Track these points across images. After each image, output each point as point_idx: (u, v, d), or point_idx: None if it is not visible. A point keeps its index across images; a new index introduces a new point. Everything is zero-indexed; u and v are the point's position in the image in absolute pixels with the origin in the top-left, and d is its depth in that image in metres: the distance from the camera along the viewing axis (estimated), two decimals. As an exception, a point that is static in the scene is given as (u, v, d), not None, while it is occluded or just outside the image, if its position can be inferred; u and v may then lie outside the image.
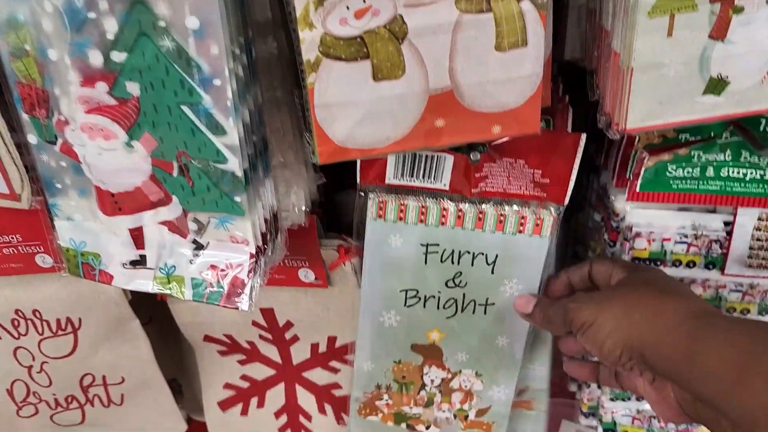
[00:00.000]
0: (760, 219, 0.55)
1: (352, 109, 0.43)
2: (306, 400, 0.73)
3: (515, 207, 0.55)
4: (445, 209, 0.56)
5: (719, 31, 0.41)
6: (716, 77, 0.42)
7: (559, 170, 0.53)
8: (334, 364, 0.70)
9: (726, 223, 0.56)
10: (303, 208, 0.57)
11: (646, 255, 0.57)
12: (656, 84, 0.42)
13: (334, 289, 0.64)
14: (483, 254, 0.57)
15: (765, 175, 0.53)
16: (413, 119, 0.44)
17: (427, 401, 0.68)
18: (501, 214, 0.55)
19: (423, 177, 0.55)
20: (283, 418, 0.74)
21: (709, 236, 0.56)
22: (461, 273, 0.59)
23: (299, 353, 0.70)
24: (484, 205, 0.56)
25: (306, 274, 0.63)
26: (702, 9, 0.40)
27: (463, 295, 0.60)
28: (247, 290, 0.49)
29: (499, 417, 0.67)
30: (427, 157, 0.54)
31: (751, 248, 0.56)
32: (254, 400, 0.74)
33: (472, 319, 0.60)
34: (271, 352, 0.71)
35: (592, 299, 0.50)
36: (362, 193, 0.57)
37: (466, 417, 0.68)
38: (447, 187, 0.55)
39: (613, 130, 0.45)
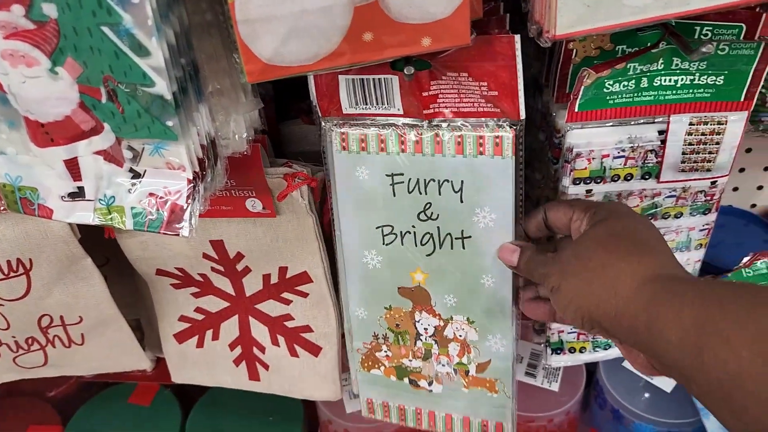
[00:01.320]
0: (691, 124, 0.55)
1: (276, 24, 0.42)
2: (259, 331, 0.74)
3: (471, 126, 0.54)
4: (402, 135, 0.55)
5: (641, -71, 0.40)
6: (642, -22, 0.42)
7: (504, 79, 0.51)
8: (286, 295, 0.71)
9: (660, 132, 0.56)
10: (244, 135, 0.56)
11: (587, 174, 0.58)
12: (583, -14, 0.42)
13: (283, 218, 0.64)
14: (448, 181, 0.56)
15: (695, 79, 0.54)
16: (340, 33, 0.43)
17: (425, 353, 0.67)
18: (458, 136, 0.54)
19: (376, 103, 0.55)
20: (238, 350, 0.76)
21: (645, 147, 0.57)
22: (431, 204, 0.57)
23: (251, 285, 0.71)
24: (439, 127, 0.55)
25: (253, 204, 0.63)
26: None
27: (438, 228, 0.59)
28: (186, 216, 0.49)
29: (502, 374, 0.65)
30: (374, 80, 0.53)
31: (683, 153, 0.57)
32: (209, 333, 0.75)
33: (453, 256, 0.59)
34: (224, 284, 0.71)
35: (557, 262, 0.49)
36: (323, 126, 0.56)
37: (467, 372, 0.66)
38: (401, 112, 0.55)
39: (543, 38, 0.45)
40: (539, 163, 0.67)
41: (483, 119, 0.54)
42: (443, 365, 0.67)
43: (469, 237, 0.58)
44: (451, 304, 0.63)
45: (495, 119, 0.54)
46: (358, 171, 0.57)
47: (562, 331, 0.71)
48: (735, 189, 0.97)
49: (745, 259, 0.82)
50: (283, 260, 0.68)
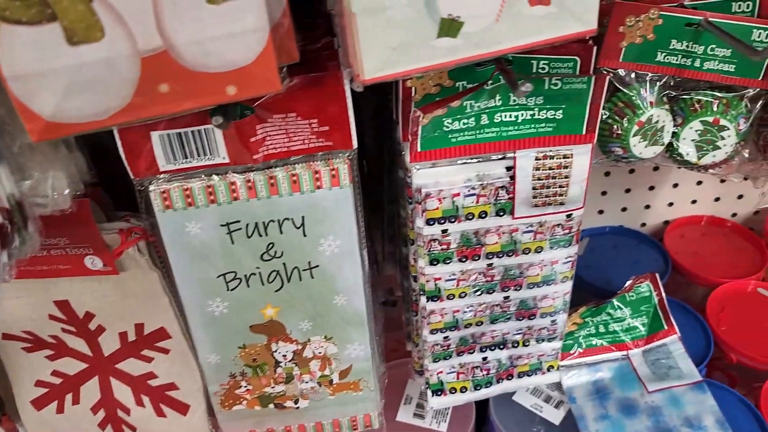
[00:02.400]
0: (537, 158, 0.54)
1: (53, 79, 0.38)
2: (122, 392, 0.69)
3: (305, 163, 0.52)
4: (232, 183, 0.52)
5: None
6: (448, 18, 0.40)
7: (334, 114, 0.50)
8: (146, 353, 0.66)
9: (508, 168, 0.55)
10: (65, 191, 0.52)
11: (440, 214, 0.56)
12: (384, 28, 0.40)
13: (128, 274, 0.60)
14: (289, 219, 0.55)
15: (535, 114, 0.52)
16: (131, 86, 0.40)
17: (287, 377, 0.66)
18: (293, 174, 0.53)
19: (198, 155, 0.51)
20: (101, 413, 0.70)
21: (495, 184, 0.55)
22: (273, 244, 0.56)
23: (108, 344, 0.66)
24: (272, 169, 0.53)
25: (93, 262, 0.58)
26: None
27: (284, 264, 0.57)
28: (-16, 288, 0.44)
29: (364, 373, 0.66)
30: (192, 133, 0.50)
31: (534, 188, 0.55)
32: (69, 397, 0.70)
33: (302, 286, 0.58)
34: (79, 344, 0.66)
35: None
36: (140, 188, 0.53)
37: (331, 382, 0.66)
38: (227, 160, 0.52)
39: (355, 82, 0.42)
40: (402, 198, 0.65)
41: (316, 154, 0.52)
42: (306, 382, 0.66)
43: (317, 266, 0.58)
44: (307, 329, 0.62)
45: (328, 152, 0.52)
46: (189, 227, 0.53)
47: (441, 372, 0.69)
48: (624, 209, 0.98)
49: (628, 283, 0.82)
50: (138, 317, 0.64)
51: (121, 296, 0.62)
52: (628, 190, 0.95)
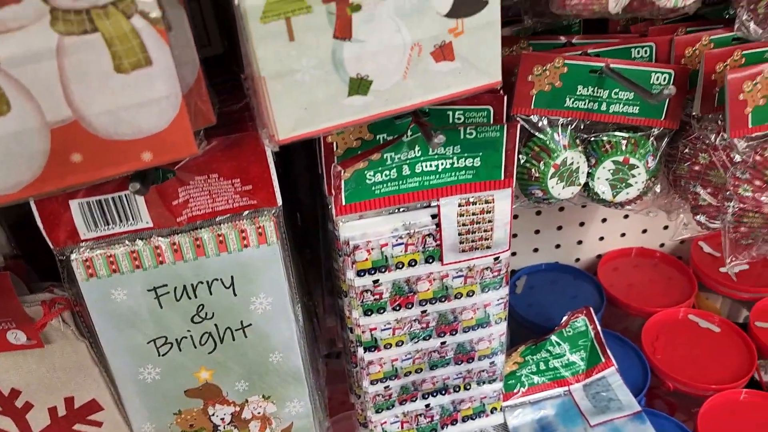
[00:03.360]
0: (460, 205, 0.56)
1: (-42, 155, 0.38)
2: (54, 471, 0.66)
3: (231, 222, 0.52)
4: (157, 247, 0.52)
5: (343, 31, 0.40)
6: (356, 77, 0.42)
7: (257, 173, 0.51)
8: (78, 427, 0.63)
9: (433, 216, 0.56)
10: (-18, 266, 0.51)
11: (370, 265, 0.57)
12: (294, 90, 0.41)
13: (55, 346, 0.58)
14: (218, 279, 0.54)
15: (455, 163, 0.54)
16: (42, 157, 0.40)
17: None
18: (219, 235, 0.52)
19: (120, 221, 0.51)
20: (32, 496, 0.67)
21: (422, 232, 0.56)
22: (203, 305, 0.55)
23: (38, 421, 0.63)
24: (198, 231, 0.52)
25: (16, 336, 0.56)
26: (317, 10, 0.39)
27: (215, 325, 0.57)
28: None
29: (305, 428, 0.65)
30: (113, 199, 0.50)
31: (459, 234, 0.57)
32: (-3, 481, 0.66)
33: (236, 346, 0.58)
34: (7, 424, 0.63)
35: None
36: (61, 257, 0.51)
37: None
38: (151, 224, 0.52)
39: (271, 142, 0.43)
40: (334, 252, 0.65)
41: (241, 213, 0.52)
42: (247, 443, 0.65)
43: (250, 325, 0.57)
44: (244, 389, 0.61)
45: (254, 210, 0.52)
46: (114, 294, 0.52)
47: (385, 422, 0.68)
48: (557, 246, 1.00)
49: (564, 319, 0.83)
50: (67, 390, 0.61)
51: (48, 370, 0.60)
52: (560, 228, 0.98)
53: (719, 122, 0.55)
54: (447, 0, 0.41)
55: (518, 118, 0.58)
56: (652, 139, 0.59)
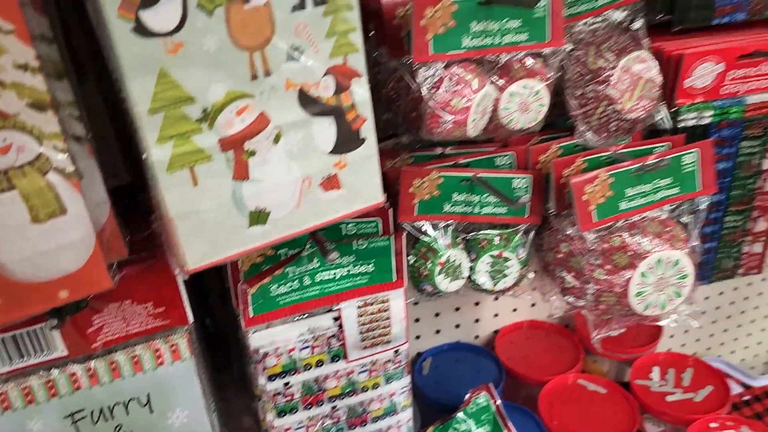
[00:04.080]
0: (359, 307, 0.61)
1: None
2: None
3: (145, 343, 0.55)
4: (73, 374, 0.54)
5: (241, 173, 0.46)
6: (255, 210, 0.48)
7: (168, 295, 0.55)
8: None
9: (335, 319, 0.61)
10: None
11: (280, 369, 0.61)
12: (200, 227, 0.46)
13: (-35, 484, 0.57)
14: (134, 399, 0.57)
15: (351, 270, 0.60)
16: (-39, 305, 0.42)
17: None
18: (134, 356, 0.55)
19: (35, 353, 0.53)
20: None
21: (326, 334, 0.61)
22: (122, 425, 0.57)
23: None
24: (113, 354, 0.55)
25: (-77, 478, 0.56)
26: (217, 158, 0.45)
27: None
28: None
29: None
30: (27, 333, 0.52)
31: (360, 333, 0.62)
32: None
33: None
34: None
35: None
36: None
37: None
38: (66, 353, 0.54)
39: (181, 272, 0.48)
40: (246, 359, 0.69)
41: (155, 333, 0.55)
42: None
43: None
44: None
45: (167, 329, 0.55)
46: (30, 425, 0.54)
47: None
48: (457, 326, 1.08)
49: (467, 396, 0.89)
50: None
51: None
52: (457, 309, 1.06)
53: (572, 218, 0.64)
54: (330, 141, 0.48)
55: (404, 226, 0.65)
56: (520, 233, 0.68)
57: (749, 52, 0.71)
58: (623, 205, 0.63)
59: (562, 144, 0.69)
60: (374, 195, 0.52)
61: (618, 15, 0.68)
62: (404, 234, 0.60)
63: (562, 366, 1.03)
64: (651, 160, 0.63)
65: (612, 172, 0.62)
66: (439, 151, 0.70)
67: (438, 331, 1.07)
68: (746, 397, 1.25)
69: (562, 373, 1.00)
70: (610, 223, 0.63)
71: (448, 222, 0.66)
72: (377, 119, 0.58)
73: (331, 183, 0.50)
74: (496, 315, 1.10)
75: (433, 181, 0.64)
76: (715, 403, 0.95)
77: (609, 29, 0.68)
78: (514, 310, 1.11)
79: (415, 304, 1.01)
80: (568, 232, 0.66)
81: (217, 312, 0.80)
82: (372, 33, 0.61)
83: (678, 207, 0.67)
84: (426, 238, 0.66)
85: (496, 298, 1.08)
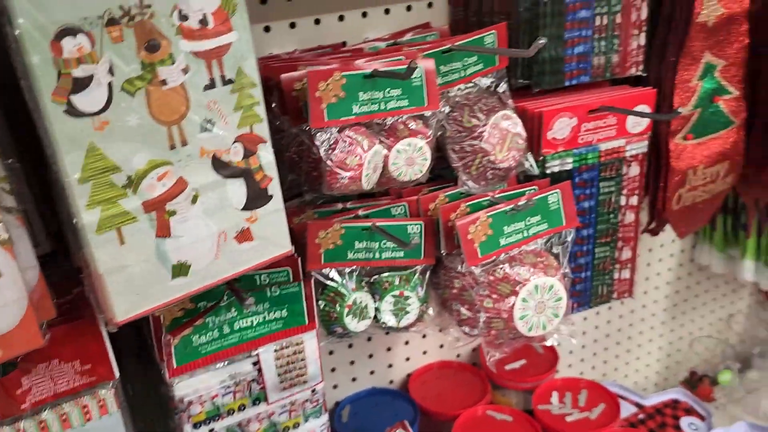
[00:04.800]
0: (276, 351, 0.67)
1: None
2: None
3: (73, 400, 0.58)
4: (1, 436, 0.56)
5: (163, 231, 0.52)
6: (177, 264, 0.53)
7: (95, 353, 0.58)
8: None
9: (254, 363, 0.67)
10: None
11: (204, 416, 0.65)
12: (128, 281, 0.51)
13: None
14: None
15: (266, 317, 0.66)
16: None
17: None
18: (62, 414, 0.58)
19: (-44, 415, 0.55)
20: None
21: (246, 379, 0.66)
22: None
23: None
24: (41, 414, 0.57)
25: None
26: (141, 218, 0.51)
27: None
28: None
29: None
30: (-47, 394, 0.54)
31: (278, 375, 0.68)
32: None
33: None
34: None
35: None
36: None
37: None
38: (-7, 414, 0.56)
39: (110, 325, 0.52)
40: (170, 411, 0.72)
41: (82, 390, 0.58)
42: None
43: None
44: None
45: (94, 386, 0.59)
46: (-40, 489, 0.55)
47: None
48: (372, 372, 1.14)
49: (385, 435, 0.95)
50: None
51: None
52: (371, 356, 1.12)
53: (461, 256, 0.73)
54: (241, 198, 0.55)
55: (313, 273, 0.72)
56: (418, 274, 0.76)
57: (596, 108, 0.84)
58: (502, 241, 0.73)
59: (448, 193, 0.78)
60: (283, 244, 0.59)
61: (485, 81, 0.80)
62: (312, 280, 0.67)
63: (471, 400, 1.10)
64: (521, 201, 0.73)
65: (490, 213, 0.72)
66: (340, 206, 0.78)
67: (354, 379, 1.12)
68: (641, 416, 1.37)
69: (472, 406, 1.08)
70: (492, 258, 0.73)
71: (353, 268, 0.73)
72: (282, 180, 0.65)
73: (244, 236, 0.56)
74: (407, 359, 1.17)
75: (336, 232, 0.71)
76: (608, 419, 1.06)
77: (479, 93, 0.79)
78: (425, 352, 1.18)
79: (331, 353, 1.07)
80: (459, 269, 0.75)
81: (131, 370, 0.83)
82: (274, 105, 0.69)
83: (549, 239, 0.78)
84: (333, 284, 0.72)
85: (407, 343, 1.15)
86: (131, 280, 0.51)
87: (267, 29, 0.83)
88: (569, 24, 0.82)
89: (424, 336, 1.16)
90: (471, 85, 0.79)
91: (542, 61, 0.82)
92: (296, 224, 0.74)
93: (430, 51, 0.74)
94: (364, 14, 0.88)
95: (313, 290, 0.67)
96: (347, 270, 0.73)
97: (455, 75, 0.77)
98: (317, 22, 0.85)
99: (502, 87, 0.81)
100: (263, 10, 0.81)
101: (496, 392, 1.16)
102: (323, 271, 0.72)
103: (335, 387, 1.10)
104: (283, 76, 0.65)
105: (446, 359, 1.20)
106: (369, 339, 1.11)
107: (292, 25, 0.84)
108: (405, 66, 0.65)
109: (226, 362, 0.66)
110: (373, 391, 1.14)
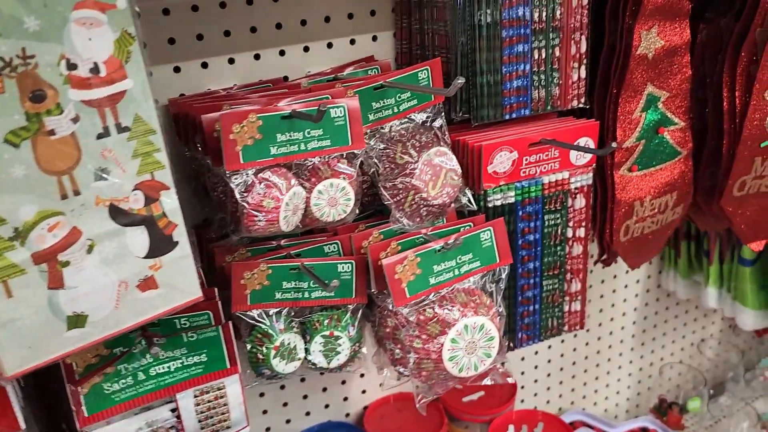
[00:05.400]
0: (195, 396, 0.66)
1: None
2: None
3: None
4: None
5: (56, 282, 0.51)
6: (73, 315, 0.52)
7: None
8: None
9: (173, 410, 0.65)
10: None
11: (120, 464, 0.64)
12: (18, 334, 0.50)
13: None
14: None
15: (184, 362, 0.64)
16: None
17: None
18: None
19: None
20: None
21: (164, 426, 0.65)
22: None
23: None
24: None
25: None
26: (30, 270, 0.49)
27: None
28: None
29: None
30: None
31: (199, 421, 0.66)
32: None
33: None
34: None
35: None
36: None
37: None
38: None
39: (2, 378, 0.51)
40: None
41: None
42: None
43: None
44: None
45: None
46: None
47: None
48: (326, 406, 1.12)
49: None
50: None
51: None
52: (324, 389, 1.10)
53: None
54: (143, 247, 0.54)
55: (239, 315, 0.70)
56: (349, 313, 0.75)
57: (537, 141, 0.84)
58: (432, 280, 0.72)
59: (383, 230, 0.77)
60: (192, 291, 0.58)
61: (421, 116, 0.79)
62: (230, 324, 0.65)
63: (426, 433, 1.09)
64: (450, 240, 0.72)
65: (418, 252, 0.71)
66: (275, 243, 0.77)
67: (308, 413, 1.10)
68: (607, 445, 1.35)
69: (427, 441, 1.06)
70: (422, 297, 0.71)
71: (281, 308, 0.72)
72: (212, 218, 0.64)
73: (147, 284, 0.55)
74: (364, 391, 1.15)
75: (262, 272, 0.70)
76: (561, 453, 1.04)
77: (415, 128, 0.78)
78: (381, 384, 1.16)
79: (282, 387, 1.05)
80: (391, 309, 0.73)
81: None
82: (198, 144, 0.68)
83: (484, 277, 0.76)
84: (262, 325, 0.71)
85: (362, 375, 1.14)
86: (22, 334, 0.50)
87: (204, 65, 0.82)
88: (507, 58, 0.81)
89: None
90: (406, 120, 0.78)
91: (481, 95, 0.82)
92: (228, 264, 0.73)
93: (361, 88, 0.73)
94: (306, 49, 0.87)
95: (232, 333, 0.65)
96: (274, 311, 0.72)
97: (388, 111, 0.76)
98: (257, 57, 0.85)
99: (439, 122, 0.80)
100: (199, 46, 0.80)
101: (454, 424, 1.15)
102: (250, 312, 0.71)
103: (288, 422, 1.08)
104: (204, 116, 0.65)
105: (404, 391, 1.18)
106: (322, 373, 1.09)
107: (231, 61, 0.83)
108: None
109: (143, 409, 0.64)
110: (329, 425, 1.12)
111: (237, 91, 0.80)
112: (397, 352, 0.75)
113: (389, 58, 0.94)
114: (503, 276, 0.77)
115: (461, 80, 0.67)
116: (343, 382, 1.12)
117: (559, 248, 0.91)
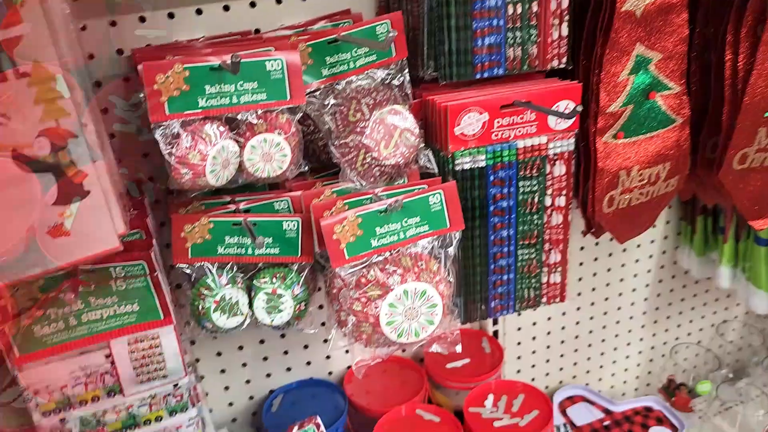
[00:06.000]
0: (129, 344, 0.67)
1: None
2: None
3: None
4: None
5: (-39, 225, 0.52)
6: (-19, 258, 0.53)
7: None
8: None
9: (107, 356, 0.66)
10: None
11: (53, 406, 0.66)
12: None
13: None
14: None
15: (117, 310, 0.65)
16: None
17: None
18: None
19: None
20: None
21: (99, 371, 0.66)
22: None
23: None
24: None
25: None
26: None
27: None
28: None
29: None
30: None
31: (134, 368, 0.67)
32: None
33: None
34: None
35: None
36: None
37: None
38: None
39: None
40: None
41: None
42: None
43: None
44: None
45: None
46: None
47: None
48: (308, 363, 1.13)
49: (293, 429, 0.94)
50: None
51: None
52: (306, 346, 1.11)
53: (334, 256, 0.71)
54: (52, 194, 0.55)
55: (180, 267, 0.71)
56: (294, 272, 0.74)
57: (510, 103, 0.79)
58: (374, 243, 0.70)
59: (336, 189, 0.75)
60: (110, 240, 0.58)
61: (381, 73, 0.76)
62: (157, 274, 0.66)
63: (405, 397, 1.08)
64: (391, 201, 0.70)
65: (359, 213, 0.69)
66: (228, 198, 0.76)
67: (289, 369, 1.11)
68: (606, 422, 1.31)
69: (405, 403, 1.06)
70: (363, 259, 0.70)
71: (224, 263, 0.72)
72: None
73: (58, 231, 0.56)
74: (347, 351, 1.15)
75: (203, 226, 0.70)
76: (538, 427, 1.01)
77: (373, 86, 0.75)
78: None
79: (262, 342, 1.06)
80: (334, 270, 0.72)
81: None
82: (142, 95, 0.67)
83: (433, 242, 0.74)
84: (204, 278, 0.71)
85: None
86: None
87: (171, 15, 0.81)
88: (477, 13, 0.77)
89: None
90: (364, 76, 0.75)
91: (449, 52, 0.78)
92: (182, 216, 0.73)
93: (313, 42, 0.71)
94: (279, 0, 0.85)
95: (163, 284, 0.66)
96: (217, 265, 0.72)
97: (343, 66, 0.74)
98: (226, 8, 0.83)
99: (400, 79, 0.77)
100: (166, -6, 0.79)
101: (437, 391, 1.13)
102: (193, 265, 0.71)
103: (268, 375, 1.10)
104: (140, 66, 0.64)
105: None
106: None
107: (199, 12, 0.82)
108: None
109: (78, 353, 0.66)
110: (309, 382, 1.12)
111: (201, 43, 0.79)
112: (342, 315, 0.74)
113: (372, 11, 0.90)
114: (454, 242, 0.74)
115: (393, 33, 0.64)
116: (325, 341, 1.12)
117: (536, 217, 0.87)
